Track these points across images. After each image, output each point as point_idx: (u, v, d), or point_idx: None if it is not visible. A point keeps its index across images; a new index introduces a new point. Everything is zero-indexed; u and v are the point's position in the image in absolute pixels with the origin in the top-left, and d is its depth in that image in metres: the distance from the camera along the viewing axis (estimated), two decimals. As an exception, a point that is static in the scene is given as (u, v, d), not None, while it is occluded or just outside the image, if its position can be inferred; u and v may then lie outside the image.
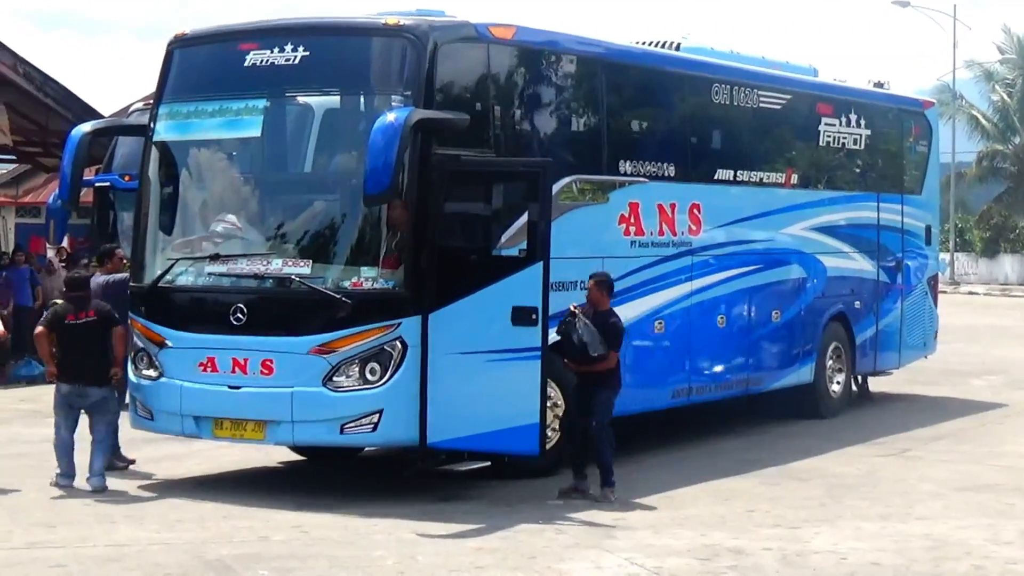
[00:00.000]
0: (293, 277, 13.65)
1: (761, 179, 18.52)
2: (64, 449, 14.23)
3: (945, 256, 59.60)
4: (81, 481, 14.14)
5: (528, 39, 15.06)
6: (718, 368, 17.55)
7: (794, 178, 19.29)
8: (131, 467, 15.24)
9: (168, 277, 14.34)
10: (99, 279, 15.75)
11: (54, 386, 14.38)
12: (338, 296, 13.41)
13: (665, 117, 17.23)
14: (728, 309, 17.67)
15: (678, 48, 18.15)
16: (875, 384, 22.45)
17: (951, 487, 14.85)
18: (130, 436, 15.73)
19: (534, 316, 13.34)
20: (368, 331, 13.36)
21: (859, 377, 21.59)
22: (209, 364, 13.83)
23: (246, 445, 14.69)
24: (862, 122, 20.65)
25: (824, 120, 19.93)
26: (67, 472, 14.18)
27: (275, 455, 15.84)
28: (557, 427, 14.77)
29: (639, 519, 13.08)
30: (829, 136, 20.02)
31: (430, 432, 13.41)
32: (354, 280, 13.55)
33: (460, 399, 13.48)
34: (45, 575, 10.92)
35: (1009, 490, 14.75)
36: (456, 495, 14.03)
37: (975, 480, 15.27)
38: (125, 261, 16.84)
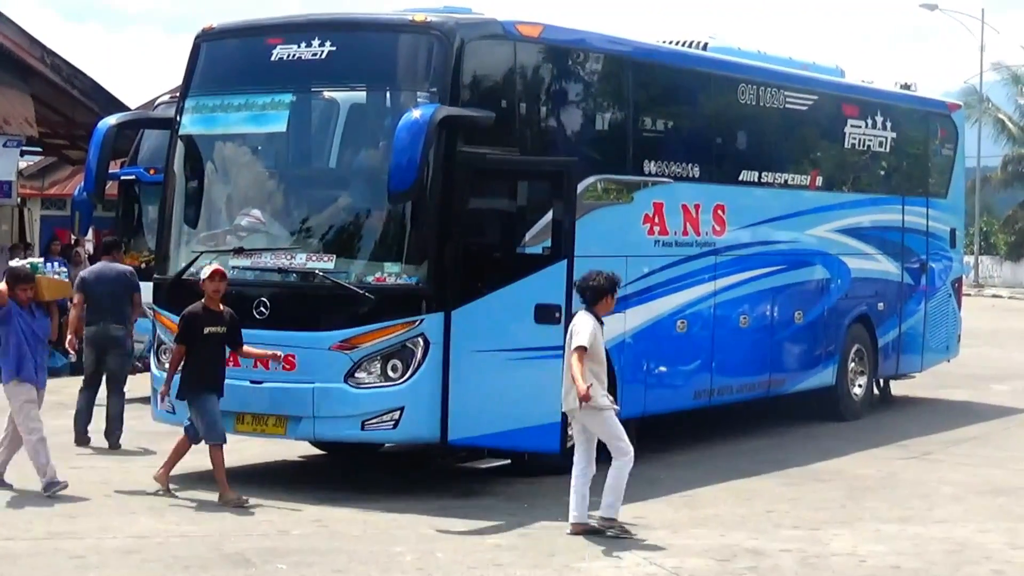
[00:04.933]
0: (316, 272, 13.66)
1: (786, 180, 18.50)
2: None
3: (969, 259, 59.45)
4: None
5: (555, 37, 15.06)
6: (740, 369, 17.52)
7: (819, 180, 19.25)
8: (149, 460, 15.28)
9: (192, 270, 14.36)
10: (94, 269, 16.35)
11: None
12: (361, 292, 13.42)
13: (691, 117, 17.21)
14: (751, 310, 17.65)
15: (705, 48, 18.12)
16: (897, 387, 22.41)
17: (971, 490, 14.81)
18: (153, 429, 15.79)
19: (557, 315, 13.34)
20: (390, 327, 13.37)
21: (881, 380, 21.55)
22: (231, 358, 13.84)
23: (267, 440, 14.70)
24: (888, 124, 20.59)
25: (850, 122, 19.88)
26: None
27: (296, 450, 15.86)
28: (578, 426, 14.77)
29: (659, 518, 13.07)
30: (855, 138, 19.98)
31: (451, 429, 13.42)
32: (377, 276, 13.56)
33: (481, 397, 13.49)
34: (65, 566, 10.94)
35: (1030, 495, 14.72)
36: (476, 492, 14.04)
37: (996, 484, 15.23)
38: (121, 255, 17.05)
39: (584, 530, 12.25)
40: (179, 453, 13.72)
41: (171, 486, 13.69)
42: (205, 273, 13.40)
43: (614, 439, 12.34)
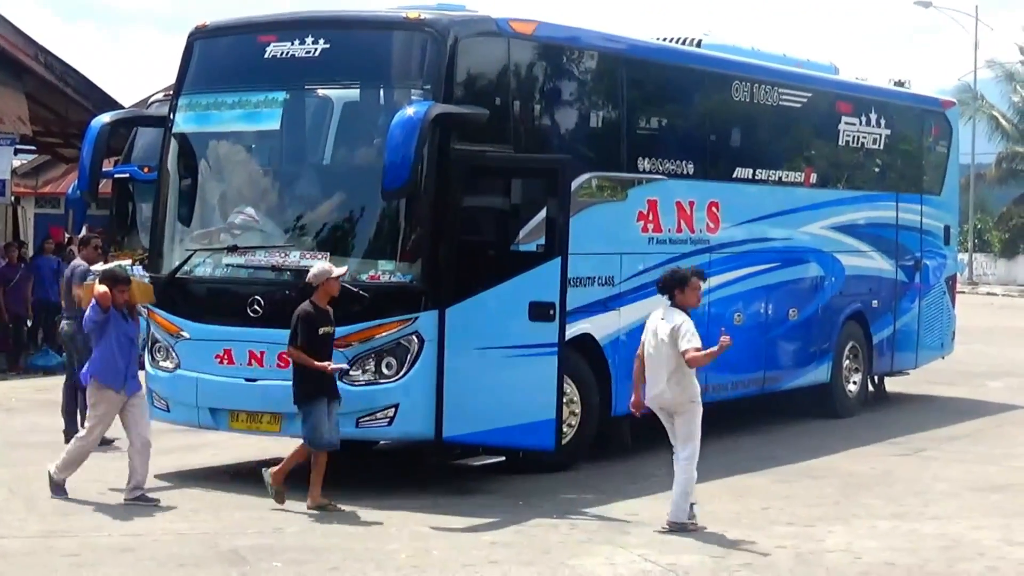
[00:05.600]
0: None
1: (780, 178, 18.50)
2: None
3: (963, 256, 59.46)
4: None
5: (549, 34, 15.06)
6: (735, 366, 17.52)
7: (813, 177, 19.26)
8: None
9: (186, 268, 14.37)
10: (70, 266, 16.32)
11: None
12: (355, 289, 13.42)
13: (685, 114, 17.22)
14: (745, 307, 17.66)
15: (699, 45, 18.13)
16: (891, 384, 22.41)
17: (966, 487, 14.82)
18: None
19: (552, 312, 13.36)
20: (385, 325, 13.38)
21: (875, 377, 21.56)
22: (226, 356, 13.86)
23: (262, 437, 14.69)
24: (882, 121, 20.61)
25: (844, 119, 19.89)
26: None
27: (290, 447, 15.81)
28: (573, 423, 14.79)
29: (653, 515, 13.05)
30: (849, 135, 19.99)
31: (446, 426, 13.45)
32: (371, 274, 13.57)
33: (476, 394, 13.50)
34: (59, 564, 10.94)
35: (1024, 491, 14.74)
36: (471, 489, 14.04)
37: (990, 480, 15.24)
38: (99, 250, 16.96)
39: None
40: (296, 458, 13.13)
41: (165, 485, 13.65)
42: (335, 272, 12.88)
43: (694, 435, 12.57)
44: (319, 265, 12.98)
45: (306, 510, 12.80)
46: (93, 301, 13.03)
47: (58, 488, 13.31)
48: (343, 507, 12.92)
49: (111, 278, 13.13)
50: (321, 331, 12.82)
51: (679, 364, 12.35)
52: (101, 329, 13.11)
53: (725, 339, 12.24)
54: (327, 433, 12.88)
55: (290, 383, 13.18)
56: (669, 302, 12.59)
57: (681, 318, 12.42)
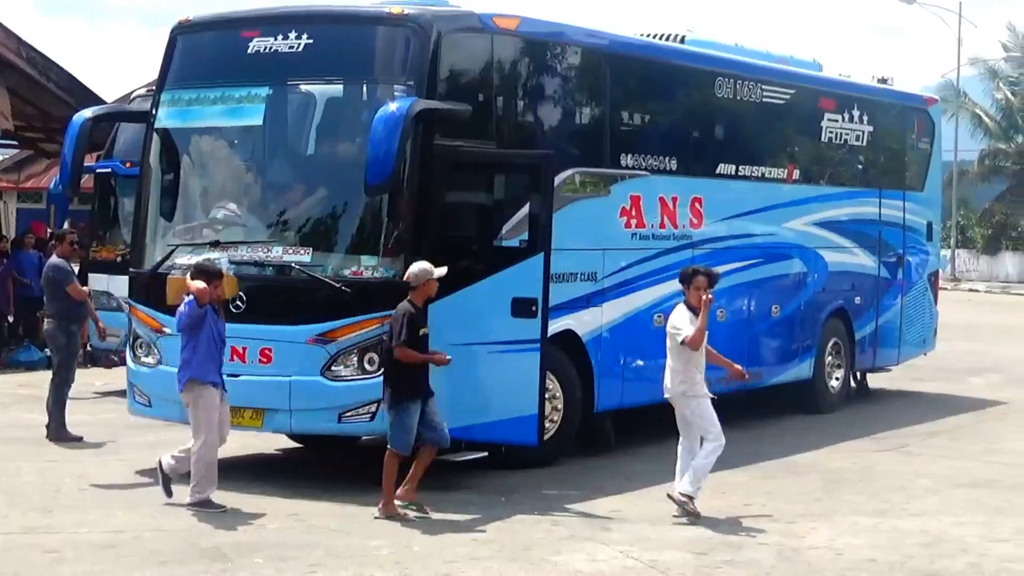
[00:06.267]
0: (293, 265, 13.64)
1: (763, 174, 18.52)
2: None
3: (946, 253, 59.54)
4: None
5: (532, 30, 15.05)
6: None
7: (796, 173, 19.27)
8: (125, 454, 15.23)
9: (168, 263, 14.33)
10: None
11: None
12: (338, 285, 13.41)
13: (668, 110, 17.22)
14: (728, 303, 17.63)
15: (682, 41, 18.12)
16: (874, 380, 22.45)
17: (948, 483, 14.84)
18: (127, 422, 15.76)
19: (534, 308, 13.36)
20: (367, 320, 13.35)
21: (858, 373, 21.60)
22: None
23: (244, 432, 14.65)
24: (865, 118, 20.63)
25: (827, 115, 19.92)
26: None
27: (273, 443, 15.84)
28: (556, 419, 14.78)
29: (636, 511, 13.07)
30: (832, 131, 20.01)
31: (427, 422, 13.39)
32: (354, 269, 13.54)
33: (459, 389, 13.47)
34: (39, 561, 10.90)
35: (1006, 487, 14.74)
36: (453, 485, 14.02)
37: (972, 476, 15.26)
38: (75, 246, 16.89)
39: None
40: (424, 465, 12.81)
41: (147, 481, 13.59)
42: (436, 273, 12.69)
43: (709, 424, 12.97)
44: (420, 265, 12.74)
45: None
46: (189, 297, 12.71)
47: (167, 482, 12.95)
48: (324, 503, 12.87)
49: (205, 272, 12.85)
50: (421, 332, 12.64)
51: (680, 359, 12.90)
52: (198, 326, 12.71)
53: (706, 296, 12.78)
54: (411, 438, 12.67)
55: (271, 378, 13.15)
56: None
57: (676, 316, 13.00)
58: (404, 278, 12.70)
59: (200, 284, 12.66)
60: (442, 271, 12.74)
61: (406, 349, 12.43)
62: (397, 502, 12.59)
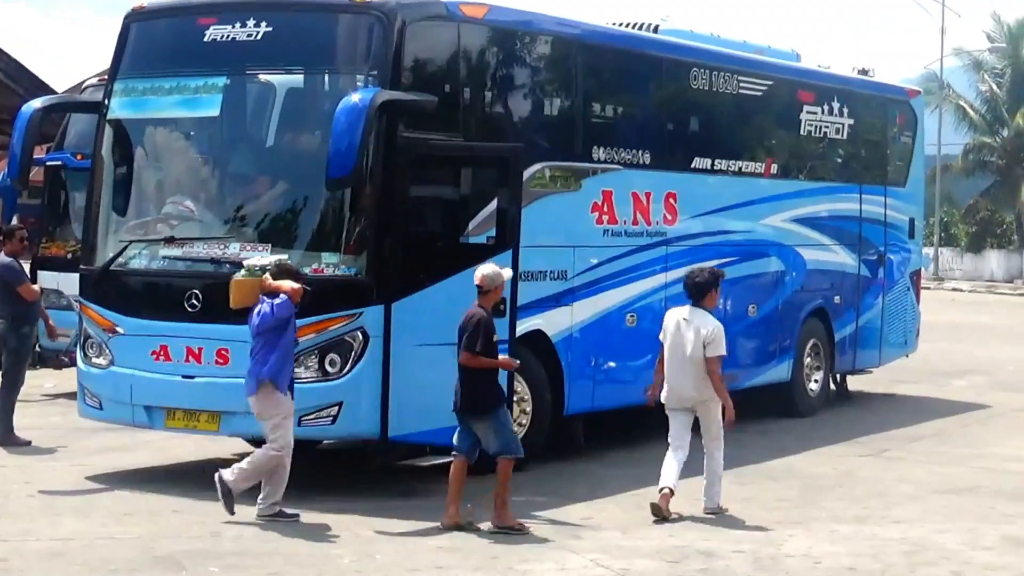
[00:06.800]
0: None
1: (740, 168, 18.56)
2: None
3: (929, 251, 59.79)
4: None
5: (501, 18, 15.05)
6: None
7: (774, 167, 19.32)
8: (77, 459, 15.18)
9: (120, 260, 14.29)
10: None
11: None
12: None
13: (641, 102, 17.24)
14: (703, 302, 17.66)
15: (656, 30, 18.15)
16: (854, 383, 22.52)
17: (930, 489, 14.89)
18: (77, 425, 15.71)
19: (502, 307, 13.33)
20: (328, 320, 13.34)
21: (838, 375, 21.66)
22: (162, 352, 13.78)
23: (199, 436, 14.64)
24: (845, 110, 20.69)
25: (806, 108, 19.96)
26: None
27: (230, 447, 15.79)
28: (524, 423, 14.78)
29: (607, 518, 13.08)
30: (811, 124, 20.06)
31: (391, 425, 13.41)
32: (315, 267, 13.50)
33: (423, 392, 13.48)
34: (-14, 569, 10.88)
35: (990, 493, 14.80)
36: (417, 491, 14.02)
37: (955, 482, 15.31)
38: (25, 243, 16.80)
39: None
40: (460, 481, 12.66)
41: (98, 487, 13.54)
42: (507, 274, 12.79)
43: (719, 428, 13.51)
44: (493, 268, 12.75)
45: (244, 518, 12.68)
46: (279, 298, 12.49)
47: (228, 496, 12.58)
48: (290, 510, 12.86)
49: (289, 272, 12.70)
50: (494, 338, 12.64)
51: (702, 366, 13.32)
52: (284, 327, 12.52)
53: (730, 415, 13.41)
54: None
55: (228, 380, 13.13)
56: (692, 302, 13.50)
57: (715, 322, 13.43)
58: (477, 283, 12.62)
59: (293, 284, 12.55)
60: (508, 272, 12.92)
61: (479, 356, 12.45)
62: (496, 526, 12.52)
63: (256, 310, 12.54)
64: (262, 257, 12.93)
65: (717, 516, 13.33)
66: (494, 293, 12.65)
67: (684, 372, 13.34)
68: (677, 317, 13.48)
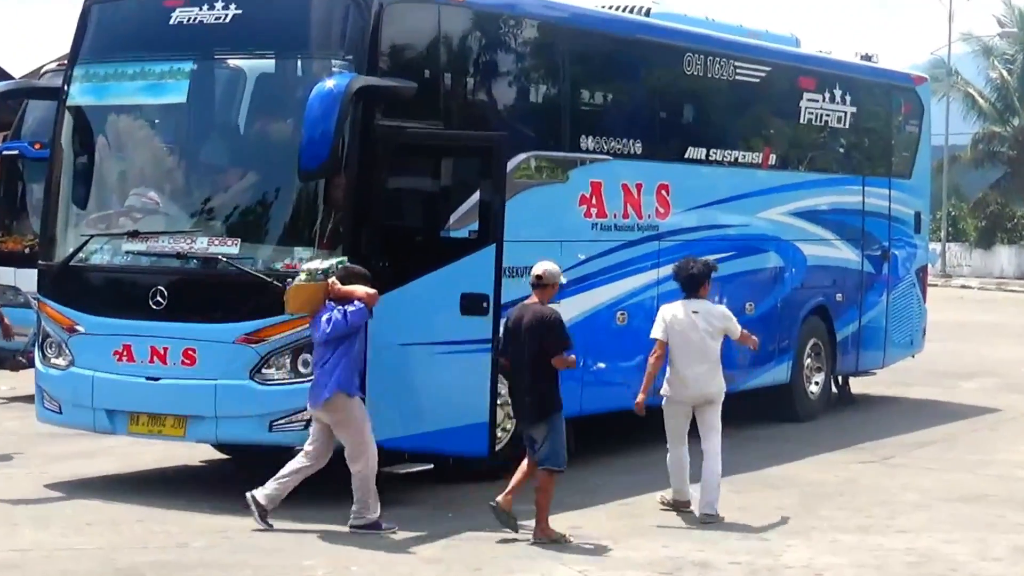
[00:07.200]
0: (219, 257, 13.59)
1: (736, 158, 18.58)
2: None
3: (936, 246, 59.82)
4: None
5: (484, 1, 15.06)
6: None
7: (772, 158, 19.34)
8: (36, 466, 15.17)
9: (81, 255, 14.28)
10: None
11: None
12: (269, 279, 13.35)
13: (632, 90, 17.26)
14: (697, 300, 17.69)
15: (648, 14, 18.14)
16: (856, 385, 22.55)
17: (937, 497, 14.93)
18: (36, 430, 15.69)
19: (485, 304, 13.36)
20: (302, 318, 13.31)
21: (840, 377, 21.68)
22: (125, 352, 13.77)
23: (165, 442, 14.63)
24: (847, 98, 20.71)
25: (806, 95, 19.98)
26: None
27: (197, 453, 15.80)
28: (509, 427, 14.78)
29: (597, 528, 13.10)
30: (811, 113, 20.08)
31: (368, 430, 13.39)
32: (287, 262, 13.50)
33: (402, 395, 13.49)
34: (-62, 582, 10.88)
35: (1000, 501, 14.84)
36: (395, 500, 14.00)
37: (964, 490, 15.35)
38: None
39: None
40: (528, 474, 12.85)
41: (58, 495, 13.52)
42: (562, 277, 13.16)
43: (719, 428, 13.95)
44: (550, 263, 13.07)
45: (212, 527, 12.70)
46: (358, 304, 12.47)
47: (264, 515, 12.67)
48: (254, 519, 12.85)
49: (359, 275, 12.73)
50: None
51: (719, 355, 13.83)
52: (357, 333, 12.61)
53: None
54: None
55: (194, 382, 13.15)
56: (687, 295, 13.90)
57: (722, 307, 14.33)
58: (538, 275, 12.87)
59: (368, 289, 12.59)
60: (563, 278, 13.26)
61: (568, 357, 12.77)
62: (503, 514, 12.73)
63: (325, 317, 12.51)
64: (321, 260, 12.91)
65: (713, 524, 13.34)
66: (552, 288, 12.91)
67: (701, 366, 13.70)
68: (683, 312, 13.71)
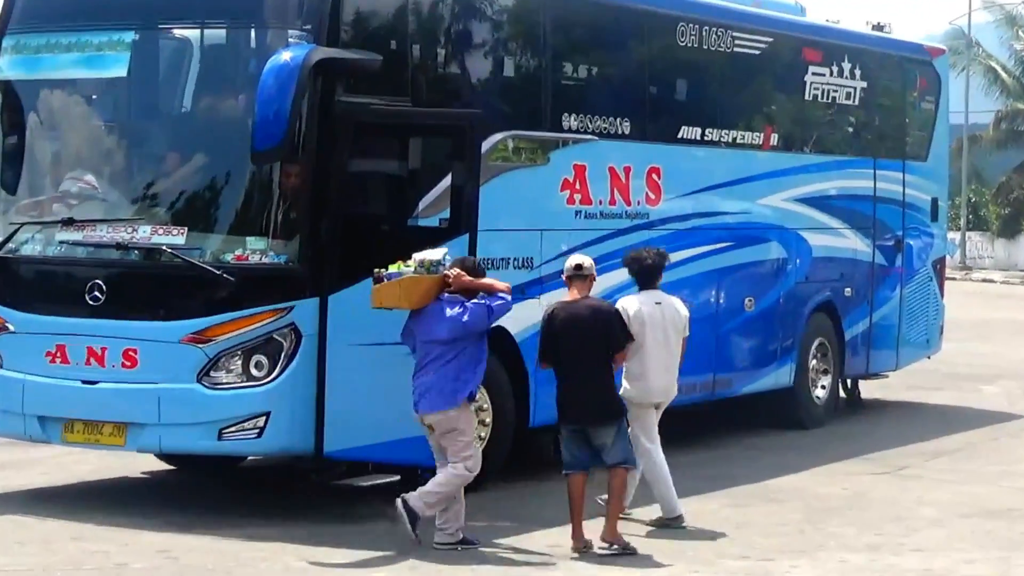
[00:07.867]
0: (163, 248, 13.56)
1: (734, 139, 18.58)
2: None
3: (955, 236, 60.01)
4: None
5: (456, -35, 15.07)
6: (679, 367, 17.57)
7: (774, 138, 19.36)
8: None
9: (10, 246, 14.27)
10: None
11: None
12: (218, 272, 13.35)
13: (620, 62, 17.25)
14: (692, 296, 17.61)
15: (637, -22, 18.15)
16: (867, 389, 22.57)
17: (955, 512, 14.95)
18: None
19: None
20: (254, 316, 13.32)
21: (848, 380, 21.70)
22: (59, 353, 13.74)
23: (103, 452, 14.59)
24: (857, 72, 20.73)
25: (812, 69, 20.00)
26: None
27: (138, 464, 15.76)
28: (483, 435, 14.76)
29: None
30: (817, 88, 20.09)
31: (327, 439, 13.39)
32: (238, 253, 13.49)
33: (365, 400, 13.47)
34: None
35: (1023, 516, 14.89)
36: (358, 515, 14.01)
37: (984, 504, 15.37)
38: None
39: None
40: (582, 496, 12.97)
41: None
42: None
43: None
44: (583, 255, 13.50)
45: (154, 545, 12.66)
46: (504, 297, 12.65)
47: (415, 523, 12.63)
48: (200, 536, 12.82)
49: (479, 269, 12.93)
50: None
51: (678, 354, 14.00)
52: (484, 334, 12.78)
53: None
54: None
55: (136, 386, 13.12)
56: (643, 287, 13.94)
57: (679, 302, 14.21)
58: (582, 267, 13.18)
59: (501, 282, 12.90)
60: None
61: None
62: (603, 546, 12.83)
63: (448, 312, 12.54)
64: (431, 252, 12.91)
65: (700, 539, 13.35)
66: (593, 280, 13.29)
67: (668, 364, 13.88)
68: (648, 305, 13.73)
